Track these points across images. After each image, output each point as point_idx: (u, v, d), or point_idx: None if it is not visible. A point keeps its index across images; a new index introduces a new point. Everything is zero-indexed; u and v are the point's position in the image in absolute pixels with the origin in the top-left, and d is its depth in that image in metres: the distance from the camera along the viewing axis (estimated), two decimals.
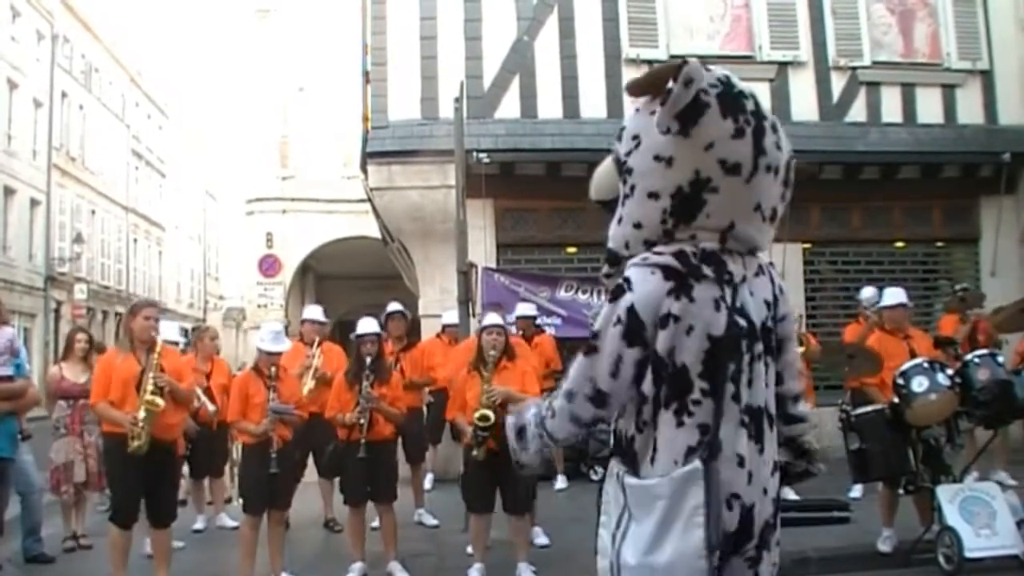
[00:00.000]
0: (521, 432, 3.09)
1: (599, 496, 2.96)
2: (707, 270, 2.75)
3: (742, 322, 2.78)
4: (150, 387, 6.79)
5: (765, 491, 2.84)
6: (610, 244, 2.96)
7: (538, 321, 11.41)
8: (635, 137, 2.84)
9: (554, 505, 9.22)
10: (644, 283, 2.73)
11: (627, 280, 2.76)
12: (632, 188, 2.85)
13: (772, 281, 2.96)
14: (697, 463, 2.66)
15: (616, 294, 2.77)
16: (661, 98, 2.71)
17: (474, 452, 7.35)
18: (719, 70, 2.79)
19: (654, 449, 2.75)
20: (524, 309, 10.99)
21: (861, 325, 10.14)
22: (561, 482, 10.88)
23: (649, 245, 2.82)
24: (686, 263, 2.74)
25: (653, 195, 2.80)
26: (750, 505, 2.77)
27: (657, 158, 2.78)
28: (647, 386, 2.75)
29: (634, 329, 2.73)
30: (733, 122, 2.74)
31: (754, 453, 2.79)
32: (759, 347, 2.83)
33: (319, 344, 9.85)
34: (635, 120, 2.89)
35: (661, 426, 2.74)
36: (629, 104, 3.04)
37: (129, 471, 6.85)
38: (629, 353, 2.74)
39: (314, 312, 10.55)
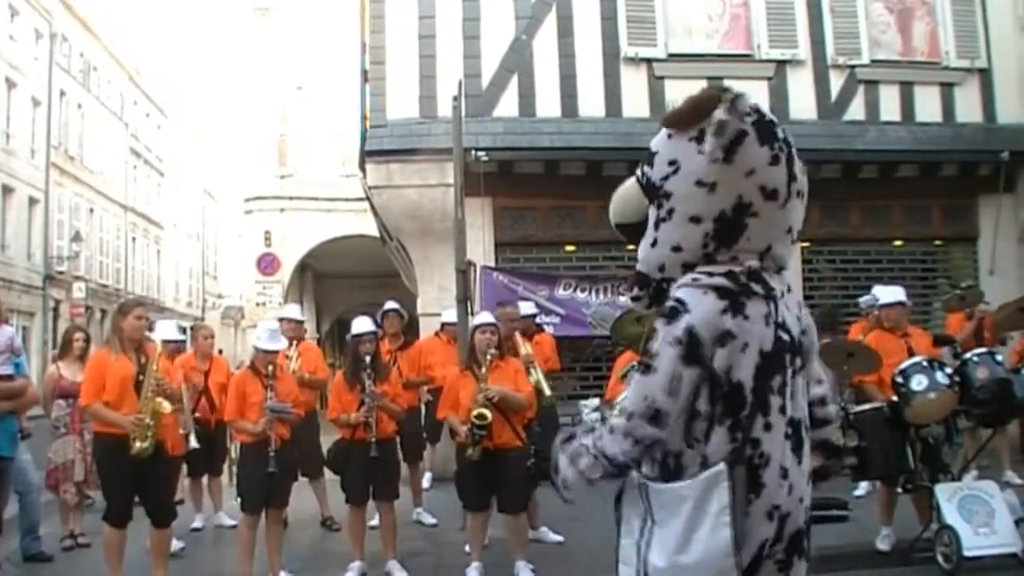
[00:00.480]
0: (574, 456, 2.98)
1: (617, 507, 3.00)
2: (756, 287, 2.82)
3: (785, 336, 2.86)
4: (154, 389, 6.79)
5: (801, 500, 2.89)
6: (641, 267, 3.00)
7: (537, 320, 11.40)
8: (672, 163, 2.89)
9: (553, 504, 9.20)
10: (700, 303, 2.77)
11: (680, 301, 2.79)
12: (670, 212, 2.90)
13: (796, 296, 3.03)
14: (721, 465, 2.72)
15: (672, 316, 2.78)
16: (697, 129, 2.79)
17: (469, 451, 7.34)
18: (749, 96, 2.83)
19: (703, 465, 2.78)
20: (523, 308, 10.99)
21: (864, 324, 10.16)
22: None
23: (687, 268, 2.88)
24: (737, 283, 2.80)
25: (695, 219, 2.85)
26: (786, 514, 2.81)
27: (699, 183, 2.83)
28: (702, 404, 2.79)
29: (693, 349, 2.75)
30: (770, 149, 2.82)
31: (794, 464, 2.85)
32: (799, 360, 2.92)
33: (297, 344, 9.88)
34: (669, 145, 2.93)
35: (714, 440, 2.78)
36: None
37: (121, 470, 6.84)
38: (688, 373, 2.76)
39: (291, 311, 10.59)
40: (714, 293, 2.78)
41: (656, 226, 2.94)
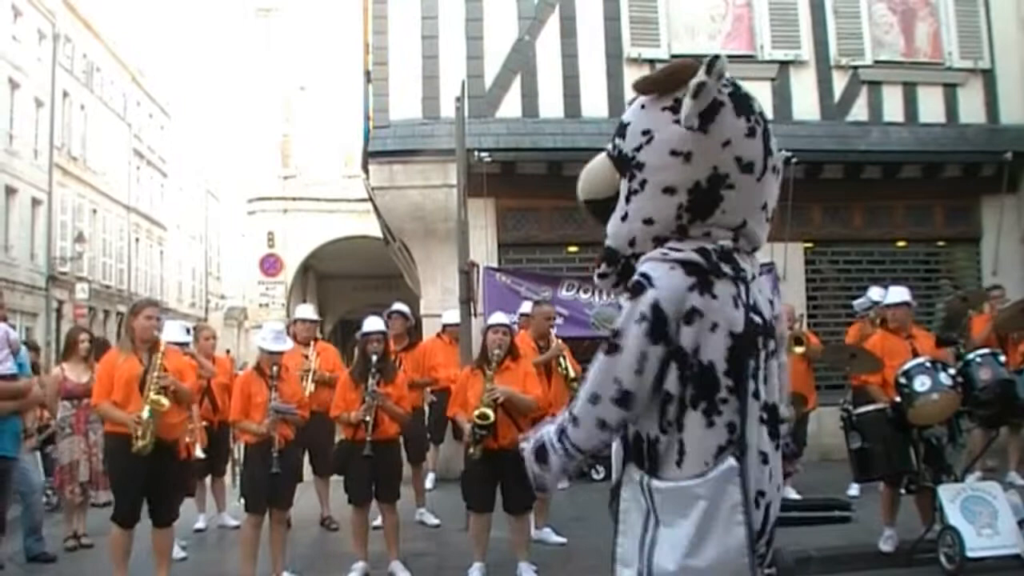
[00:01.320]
0: (540, 453, 2.92)
1: (613, 503, 2.90)
2: (726, 268, 2.74)
3: (757, 319, 2.78)
4: (154, 387, 6.80)
5: (778, 487, 2.85)
6: (610, 242, 2.91)
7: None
8: (646, 132, 2.82)
9: (555, 504, 9.21)
10: (666, 278, 2.70)
11: (646, 276, 2.72)
12: (643, 183, 2.82)
13: (774, 279, 3.00)
14: (733, 461, 2.66)
15: (636, 291, 2.72)
16: (681, 96, 2.71)
17: (471, 451, 7.35)
18: (725, 65, 2.77)
19: (680, 451, 2.71)
20: (526, 308, 10.99)
21: (864, 324, 10.16)
22: (562, 482, 10.88)
23: (658, 242, 2.80)
24: (708, 259, 2.73)
25: (669, 190, 2.78)
26: (769, 501, 2.78)
27: (674, 153, 2.76)
28: (672, 384, 2.71)
29: (659, 325, 2.67)
30: (746, 121, 2.77)
31: (772, 450, 2.81)
32: (772, 344, 2.85)
33: (314, 344, 9.90)
34: (643, 115, 2.87)
35: (689, 426, 2.71)
36: (630, 100, 3.02)
37: (131, 471, 6.86)
38: (654, 350, 2.68)
39: (306, 311, 10.58)
40: (682, 268, 2.71)
41: (627, 199, 2.86)
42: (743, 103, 2.79)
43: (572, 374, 9.13)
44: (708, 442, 2.69)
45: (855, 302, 10.35)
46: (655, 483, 2.74)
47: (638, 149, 2.82)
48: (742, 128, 2.76)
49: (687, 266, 2.71)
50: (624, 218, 2.87)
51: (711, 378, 2.69)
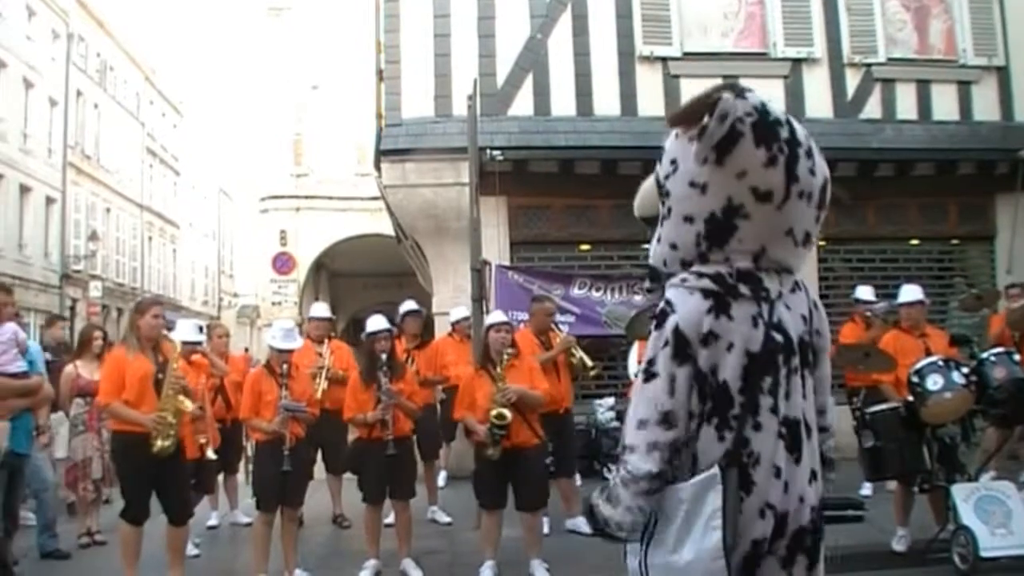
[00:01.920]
0: (608, 496, 2.96)
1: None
2: (744, 289, 2.85)
3: (779, 337, 2.88)
4: (174, 388, 6.82)
5: (801, 499, 2.90)
6: (651, 261, 3.06)
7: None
8: (673, 162, 2.93)
9: (556, 505, 9.21)
10: (685, 303, 2.83)
11: (668, 303, 2.87)
12: (669, 210, 2.96)
13: (807, 296, 3.06)
14: (714, 469, 2.77)
15: (661, 319, 2.86)
16: (698, 128, 2.79)
17: (489, 451, 7.33)
18: (756, 96, 2.81)
19: (694, 460, 2.84)
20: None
21: (858, 325, 10.10)
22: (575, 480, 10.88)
23: (686, 265, 2.93)
24: (723, 284, 2.84)
25: (688, 219, 2.90)
26: (783, 512, 2.85)
27: (692, 184, 2.86)
28: (693, 403, 2.84)
29: (681, 347, 2.81)
30: (766, 151, 2.80)
31: (791, 464, 2.88)
32: (796, 360, 2.93)
33: (328, 342, 9.92)
34: (674, 145, 2.96)
35: (703, 438, 2.83)
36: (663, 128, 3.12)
37: (139, 469, 6.87)
38: (681, 372, 2.81)
39: (320, 310, 10.59)
40: (700, 294, 2.84)
41: (661, 223, 3.01)
42: (767, 132, 2.82)
43: (589, 363, 9.32)
44: (715, 453, 2.81)
45: (876, 307, 10.29)
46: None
47: (667, 178, 2.96)
48: (760, 158, 2.79)
49: (704, 292, 2.84)
50: (659, 240, 3.02)
51: (726, 396, 2.81)
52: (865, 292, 10.53)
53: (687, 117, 2.88)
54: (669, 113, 3.01)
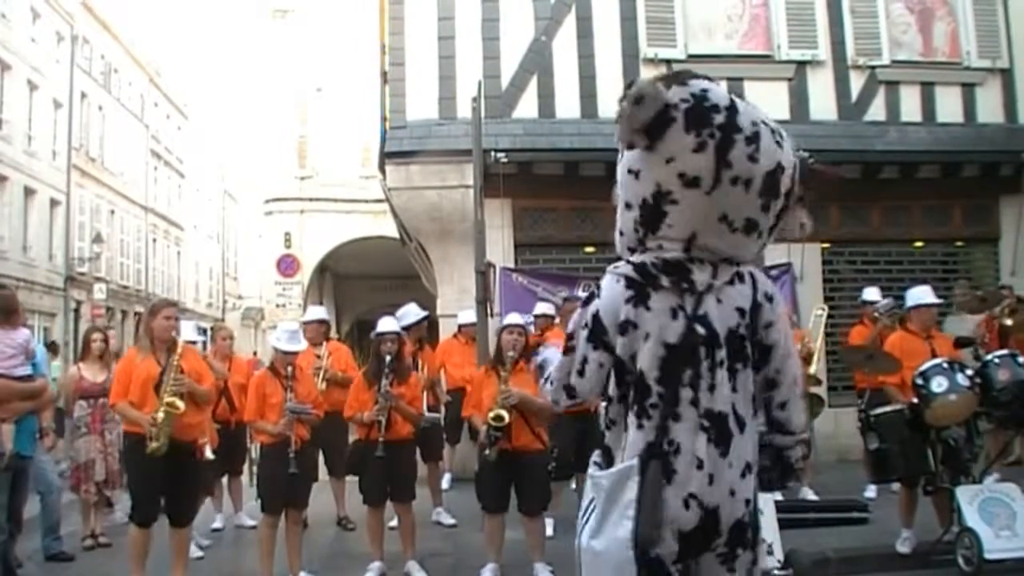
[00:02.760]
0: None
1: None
2: (665, 280, 2.91)
3: (701, 330, 2.91)
4: (170, 389, 6.83)
5: (732, 492, 2.93)
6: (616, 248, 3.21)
7: (556, 321, 11.40)
8: (621, 152, 3.06)
9: (571, 504, 9.21)
10: (608, 290, 2.96)
11: (598, 287, 3.01)
12: (616, 199, 3.11)
13: (755, 288, 3.04)
14: (634, 460, 2.85)
15: (588, 300, 3.03)
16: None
17: (486, 452, 7.34)
18: (700, 83, 2.91)
19: (623, 448, 2.94)
20: (542, 308, 10.98)
21: (866, 327, 10.08)
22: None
23: (631, 252, 3.06)
24: (644, 274, 2.92)
25: (628, 205, 3.03)
26: (714, 506, 2.88)
27: (629, 171, 2.99)
28: (611, 388, 2.98)
29: (597, 333, 2.96)
30: (696, 136, 2.84)
31: (715, 456, 2.90)
32: (722, 354, 2.94)
33: (325, 344, 9.92)
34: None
35: (629, 427, 2.93)
36: None
37: (148, 470, 6.89)
38: (593, 356, 2.98)
39: (316, 312, 10.58)
40: (624, 282, 2.94)
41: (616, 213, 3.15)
42: (698, 118, 2.85)
43: None
44: (638, 443, 2.88)
45: (879, 304, 10.29)
46: (591, 471, 3.06)
47: (616, 168, 3.12)
48: (689, 144, 2.84)
49: (627, 280, 2.94)
50: (614, 229, 3.17)
51: (644, 384, 2.89)
52: (872, 293, 10.52)
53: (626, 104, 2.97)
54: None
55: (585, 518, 3.01)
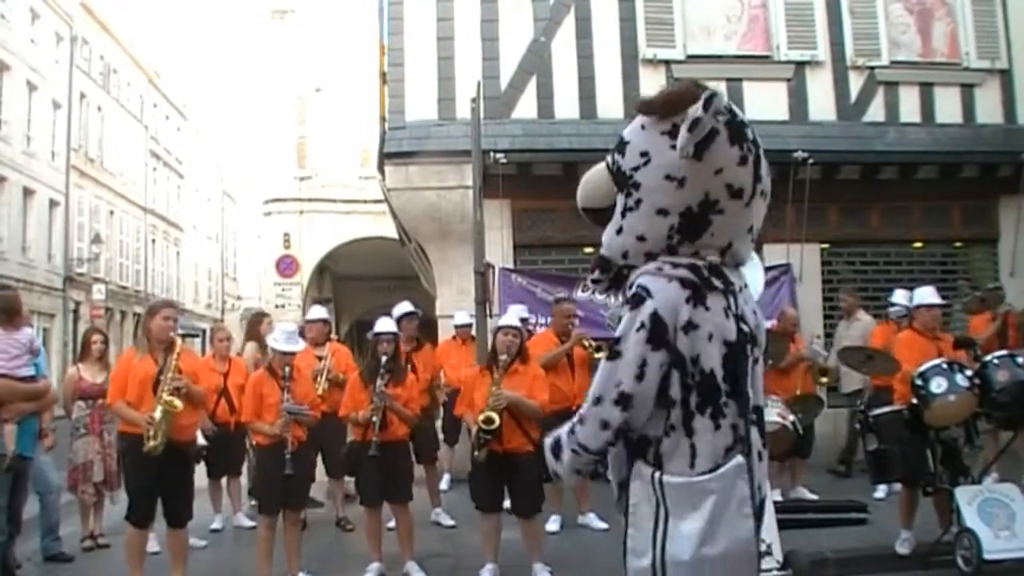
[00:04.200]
0: (556, 449, 3.08)
1: (620, 499, 3.04)
2: (716, 282, 2.92)
3: (745, 328, 2.98)
4: (167, 388, 6.83)
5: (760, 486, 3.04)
6: (605, 251, 3.09)
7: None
8: (644, 154, 2.96)
9: (571, 504, 9.22)
10: (664, 291, 2.87)
11: (644, 288, 2.89)
12: (638, 202, 2.97)
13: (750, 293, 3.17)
14: (741, 458, 2.84)
15: (636, 301, 2.88)
16: (679, 121, 2.84)
17: (476, 453, 7.36)
18: (723, 97, 2.90)
19: (693, 453, 2.86)
20: (524, 314, 11.07)
21: (890, 327, 10.09)
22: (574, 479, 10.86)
23: (649, 257, 2.97)
24: (699, 276, 2.90)
25: (662, 211, 2.94)
26: (763, 497, 3.03)
27: (669, 177, 2.91)
28: (675, 391, 2.87)
29: (658, 332, 2.84)
30: (739, 149, 2.90)
31: (761, 447, 2.99)
32: (757, 351, 3.05)
33: (328, 344, 9.92)
34: (642, 136, 3.00)
35: (699, 431, 2.87)
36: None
37: (145, 471, 6.90)
38: (654, 356, 2.85)
39: (318, 312, 10.57)
40: (678, 283, 2.88)
41: (623, 214, 3.02)
42: (738, 132, 2.92)
43: (594, 346, 9.44)
44: (718, 443, 2.86)
45: (891, 309, 10.32)
46: (667, 479, 2.88)
47: (636, 169, 2.98)
48: (735, 156, 2.90)
49: (682, 282, 2.89)
50: (619, 231, 3.04)
51: (713, 385, 2.87)
52: (898, 296, 10.46)
53: (661, 109, 2.96)
54: (641, 103, 3.04)
55: (658, 530, 2.86)
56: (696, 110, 2.80)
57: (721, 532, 2.80)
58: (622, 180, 3.01)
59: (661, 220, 2.94)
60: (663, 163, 2.91)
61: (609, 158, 3.08)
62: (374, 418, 7.49)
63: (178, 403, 6.83)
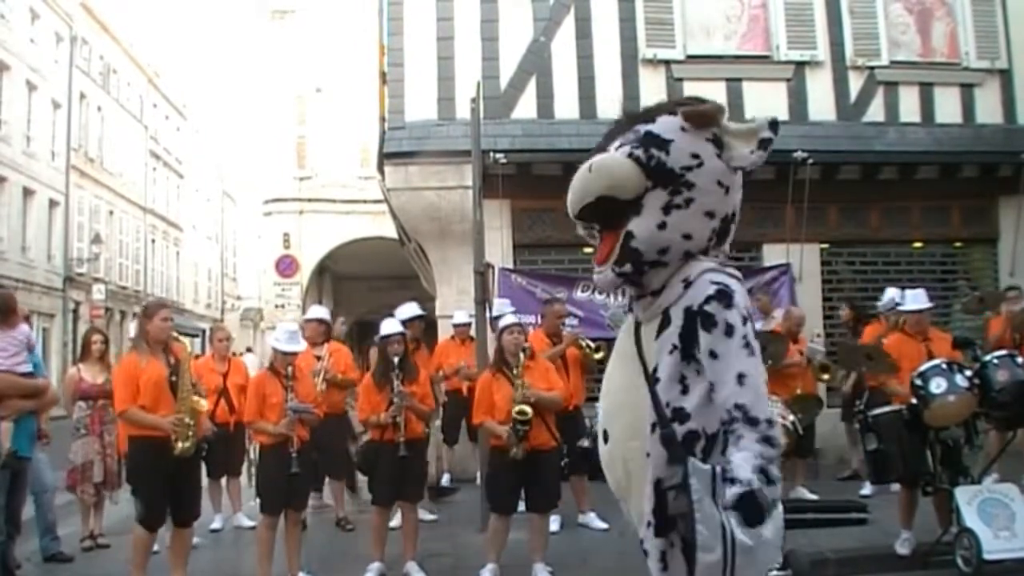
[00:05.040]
0: (750, 511, 2.69)
1: (683, 497, 2.77)
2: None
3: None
4: (189, 389, 6.86)
5: None
6: (639, 245, 3.03)
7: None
8: (695, 156, 3.03)
9: (570, 504, 9.22)
10: (738, 289, 2.91)
11: (725, 285, 2.89)
12: (688, 201, 3.02)
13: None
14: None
15: (727, 297, 2.87)
16: (719, 133, 3.04)
17: (513, 451, 7.32)
18: None
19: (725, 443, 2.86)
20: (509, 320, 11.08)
21: (882, 326, 10.09)
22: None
23: (687, 256, 3.02)
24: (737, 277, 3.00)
25: (710, 214, 3.05)
26: None
27: (720, 184, 3.04)
28: None
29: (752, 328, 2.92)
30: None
31: None
32: None
33: (326, 345, 9.92)
34: (688, 139, 3.06)
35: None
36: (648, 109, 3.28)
37: (156, 473, 6.90)
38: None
39: (317, 312, 10.57)
40: (738, 281, 2.94)
41: (667, 211, 3.02)
42: None
43: (594, 349, 9.57)
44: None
45: (879, 304, 10.33)
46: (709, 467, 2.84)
47: (688, 169, 3.03)
48: (739, 178, 3.12)
49: (739, 281, 2.97)
50: (662, 227, 3.02)
51: None
52: (887, 293, 10.46)
53: (708, 120, 3.06)
54: (690, 110, 3.08)
55: (725, 523, 2.68)
56: (764, 131, 2.99)
57: (771, 518, 2.73)
58: (667, 177, 3.02)
59: (707, 222, 3.04)
60: (714, 168, 3.02)
61: (639, 152, 3.08)
62: (398, 419, 7.53)
63: (204, 403, 6.90)
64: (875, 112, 13.47)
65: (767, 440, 2.75)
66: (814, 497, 9.61)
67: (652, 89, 12.87)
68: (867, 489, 9.56)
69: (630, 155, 3.10)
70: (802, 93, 13.31)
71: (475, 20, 12.98)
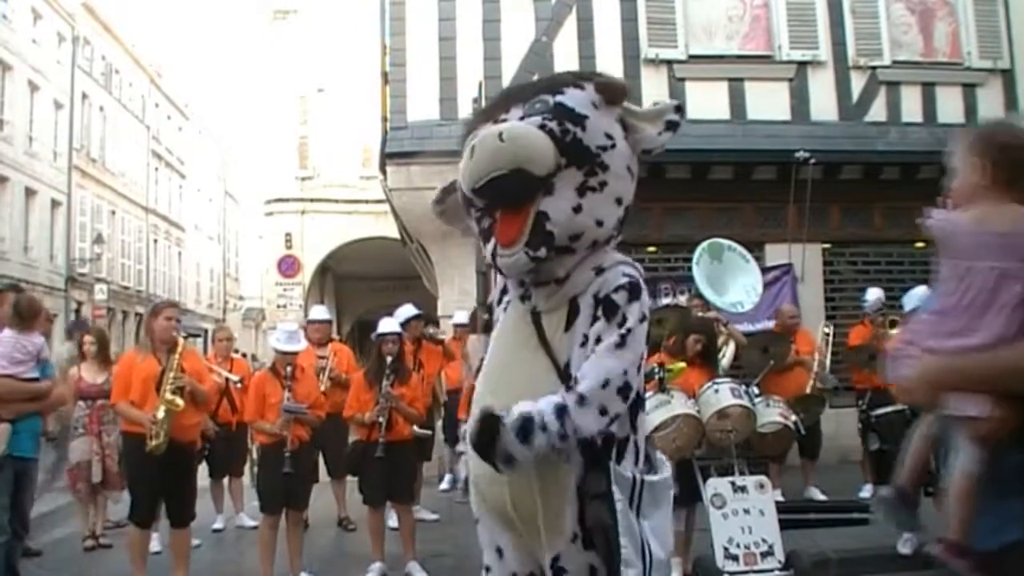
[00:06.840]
0: (524, 430, 2.58)
1: (605, 507, 2.72)
2: None
3: None
4: (170, 387, 6.84)
5: None
6: (555, 228, 2.78)
7: None
8: (609, 136, 2.84)
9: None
10: (643, 286, 2.81)
11: (636, 279, 2.79)
12: (602, 185, 2.82)
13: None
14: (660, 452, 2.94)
15: (635, 291, 2.75)
16: (626, 115, 2.91)
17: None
18: None
19: (637, 451, 2.84)
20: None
21: (867, 327, 10.07)
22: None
23: (594, 245, 2.84)
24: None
25: (619, 200, 2.87)
26: None
27: (628, 169, 2.88)
28: (640, 386, 2.82)
29: (648, 327, 2.80)
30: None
31: None
32: None
33: (328, 344, 9.93)
34: (600, 117, 2.87)
35: (639, 428, 2.86)
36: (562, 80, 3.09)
37: (148, 471, 6.91)
38: (643, 352, 2.80)
39: (319, 312, 10.60)
40: (643, 280, 2.83)
41: (582, 193, 2.79)
42: None
43: None
44: (641, 440, 2.87)
45: (864, 305, 10.33)
46: (648, 478, 2.80)
47: (603, 149, 2.82)
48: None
49: (641, 275, 2.85)
50: (577, 210, 2.79)
51: (646, 379, 2.89)
52: (870, 294, 10.46)
53: (617, 94, 2.94)
54: (606, 82, 2.98)
55: (643, 535, 2.70)
56: (670, 112, 2.86)
57: (668, 529, 2.81)
58: (582, 156, 2.78)
59: (616, 209, 2.86)
60: (623, 152, 2.85)
61: (553, 124, 2.79)
62: (380, 419, 7.52)
63: (180, 402, 6.84)
64: (877, 112, 13.46)
65: (574, 420, 2.59)
66: (823, 497, 9.60)
67: (654, 89, 12.86)
68: (867, 491, 9.54)
69: (543, 127, 2.78)
70: (804, 93, 13.30)
71: (477, 20, 12.97)
